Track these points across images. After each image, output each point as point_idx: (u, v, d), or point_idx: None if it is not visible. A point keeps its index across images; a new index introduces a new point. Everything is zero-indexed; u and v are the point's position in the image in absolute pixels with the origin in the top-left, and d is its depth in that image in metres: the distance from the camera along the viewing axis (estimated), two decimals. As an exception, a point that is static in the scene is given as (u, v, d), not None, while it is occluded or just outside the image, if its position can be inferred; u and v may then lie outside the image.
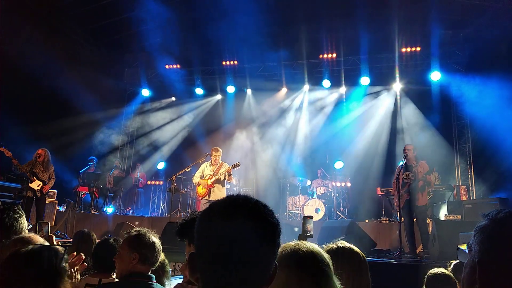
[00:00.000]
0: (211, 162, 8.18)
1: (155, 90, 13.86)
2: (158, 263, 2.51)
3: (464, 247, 1.23)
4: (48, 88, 9.81)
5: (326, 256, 1.45)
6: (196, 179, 8.21)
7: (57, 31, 10.43)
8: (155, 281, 2.40)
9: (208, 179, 7.97)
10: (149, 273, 2.42)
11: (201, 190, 8.03)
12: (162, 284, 2.59)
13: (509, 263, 1.00)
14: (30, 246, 1.74)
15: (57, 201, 9.70)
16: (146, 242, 2.41)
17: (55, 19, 10.19)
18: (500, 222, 1.06)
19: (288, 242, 1.45)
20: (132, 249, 2.38)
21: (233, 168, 8.02)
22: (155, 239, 2.47)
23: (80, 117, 11.20)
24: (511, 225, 1.04)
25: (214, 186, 7.90)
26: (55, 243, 2.78)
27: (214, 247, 0.98)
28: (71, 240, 5.36)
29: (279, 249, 1.42)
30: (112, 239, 2.92)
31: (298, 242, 1.46)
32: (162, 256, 2.76)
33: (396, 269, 5.49)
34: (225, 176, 7.95)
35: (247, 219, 1.00)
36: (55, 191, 9.73)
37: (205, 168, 8.17)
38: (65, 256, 1.75)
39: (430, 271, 3.06)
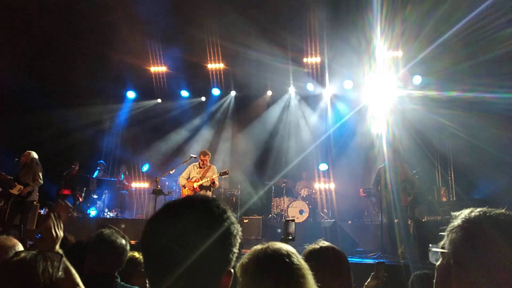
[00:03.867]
0: (198, 164, 8.07)
1: (141, 92, 13.78)
2: (125, 264, 2.46)
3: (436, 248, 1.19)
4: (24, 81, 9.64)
5: (299, 256, 1.43)
6: (182, 180, 8.09)
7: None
8: (119, 280, 2.37)
9: (194, 181, 7.90)
10: (115, 274, 2.38)
11: (186, 192, 7.98)
12: (137, 285, 2.54)
13: (485, 262, 0.98)
14: (22, 254, 1.59)
15: (38, 204, 9.55)
16: (103, 242, 2.38)
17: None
18: (473, 222, 1.05)
19: (257, 246, 1.43)
20: (90, 251, 2.38)
21: (221, 175, 7.93)
22: (117, 240, 2.42)
23: (62, 116, 11.05)
24: (485, 224, 1.02)
25: (200, 191, 7.83)
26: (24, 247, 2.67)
27: (154, 248, 0.95)
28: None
29: (251, 254, 1.40)
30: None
31: (270, 243, 1.44)
32: (138, 256, 2.71)
33: (377, 269, 5.56)
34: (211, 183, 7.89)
35: (185, 218, 0.96)
36: (37, 193, 9.57)
37: (192, 170, 8.07)
38: (62, 265, 1.60)
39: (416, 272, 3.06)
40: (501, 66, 9.16)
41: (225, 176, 8.07)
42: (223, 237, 0.98)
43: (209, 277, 0.95)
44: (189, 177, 8.04)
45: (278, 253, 1.38)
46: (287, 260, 1.36)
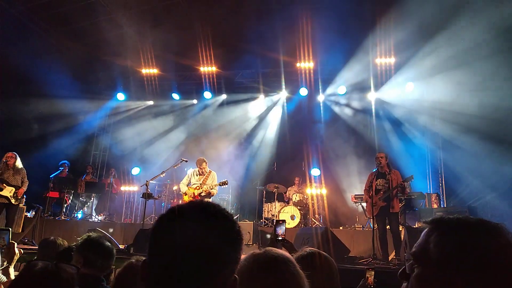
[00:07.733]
0: (198, 171, 8.20)
1: (131, 94, 13.63)
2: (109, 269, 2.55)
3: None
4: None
5: (297, 264, 1.39)
6: (183, 187, 8.22)
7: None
8: (104, 283, 2.40)
9: (195, 189, 8.02)
10: (101, 277, 2.42)
11: (187, 199, 8.08)
12: None
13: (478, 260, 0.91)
14: (40, 264, 1.62)
15: (25, 207, 9.35)
16: (92, 245, 2.45)
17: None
18: (446, 226, 1.02)
19: (255, 250, 1.40)
20: (78, 253, 2.44)
21: (220, 185, 8.12)
22: (105, 243, 2.52)
23: (51, 117, 10.89)
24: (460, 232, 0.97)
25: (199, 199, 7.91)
26: (16, 250, 2.67)
27: (162, 254, 0.93)
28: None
29: (248, 259, 1.37)
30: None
31: (267, 248, 1.41)
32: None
33: (369, 275, 5.52)
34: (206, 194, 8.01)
35: (197, 222, 0.94)
36: (24, 196, 9.37)
37: (192, 177, 8.20)
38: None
39: None
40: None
41: (224, 186, 8.23)
42: (236, 241, 0.99)
43: (223, 283, 0.96)
44: (189, 183, 8.14)
45: (275, 260, 1.34)
46: (284, 267, 1.32)
